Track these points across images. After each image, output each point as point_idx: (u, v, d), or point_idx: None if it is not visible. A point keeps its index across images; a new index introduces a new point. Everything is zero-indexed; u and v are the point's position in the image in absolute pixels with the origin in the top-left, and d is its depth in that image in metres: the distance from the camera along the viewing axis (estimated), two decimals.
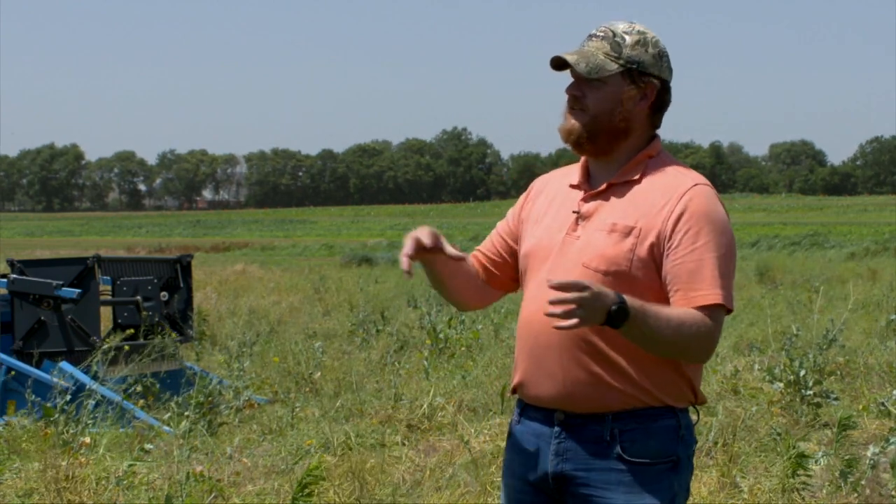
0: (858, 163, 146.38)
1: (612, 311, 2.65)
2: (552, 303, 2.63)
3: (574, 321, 2.62)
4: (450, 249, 2.94)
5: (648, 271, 2.81)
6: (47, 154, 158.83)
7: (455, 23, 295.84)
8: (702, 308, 2.76)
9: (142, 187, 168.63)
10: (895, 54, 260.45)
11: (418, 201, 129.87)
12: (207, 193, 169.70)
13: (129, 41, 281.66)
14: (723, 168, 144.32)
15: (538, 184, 3.10)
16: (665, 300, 2.80)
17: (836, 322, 9.07)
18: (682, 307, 2.77)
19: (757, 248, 39.59)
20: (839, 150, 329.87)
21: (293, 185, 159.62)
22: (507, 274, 3.10)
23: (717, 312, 2.78)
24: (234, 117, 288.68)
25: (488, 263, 3.12)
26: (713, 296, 2.77)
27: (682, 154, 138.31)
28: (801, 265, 26.03)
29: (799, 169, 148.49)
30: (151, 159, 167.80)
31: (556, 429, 2.88)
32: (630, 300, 2.68)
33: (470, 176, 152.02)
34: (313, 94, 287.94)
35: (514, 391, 3.00)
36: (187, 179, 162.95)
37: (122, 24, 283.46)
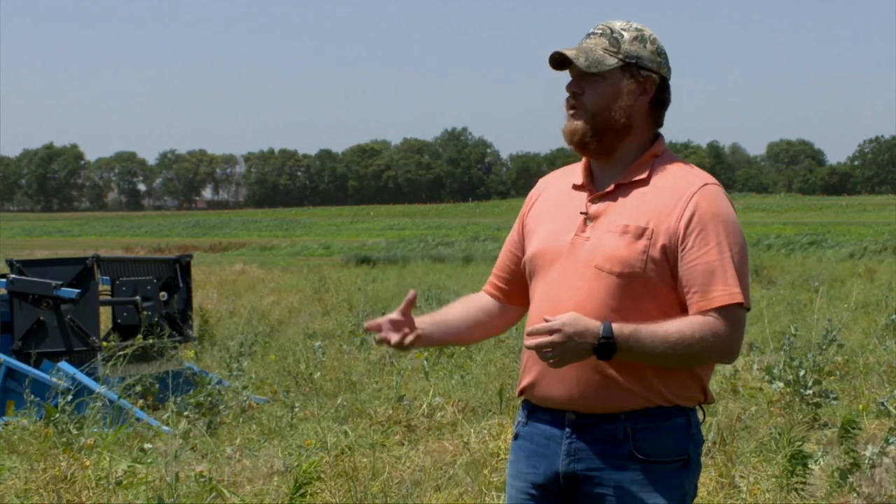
0: (857, 163, 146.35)
1: (596, 346, 2.70)
2: (528, 347, 2.73)
3: (553, 360, 2.70)
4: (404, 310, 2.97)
5: (662, 272, 2.80)
6: (46, 154, 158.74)
7: (454, 22, 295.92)
8: (718, 309, 2.76)
9: (141, 187, 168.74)
10: (895, 54, 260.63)
11: (417, 201, 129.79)
12: (207, 193, 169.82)
13: (129, 41, 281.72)
14: (722, 168, 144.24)
15: (537, 188, 3.09)
16: (679, 301, 2.81)
17: (835, 322, 9.07)
18: (695, 311, 2.78)
19: (756, 247, 39.55)
20: (838, 150, 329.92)
21: (292, 185, 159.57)
22: (524, 286, 3.06)
23: (734, 312, 2.77)
24: (233, 117, 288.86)
25: (502, 283, 3.12)
26: (729, 296, 2.76)
27: (681, 154, 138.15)
28: (799, 265, 26.02)
29: (798, 169, 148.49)
30: (151, 159, 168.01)
31: (567, 429, 2.87)
32: (619, 330, 2.70)
33: (469, 176, 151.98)
34: (312, 94, 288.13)
35: (520, 393, 2.98)
36: (186, 179, 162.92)
37: (122, 24, 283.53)
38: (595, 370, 2.80)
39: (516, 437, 3.00)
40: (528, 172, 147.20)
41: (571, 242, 2.88)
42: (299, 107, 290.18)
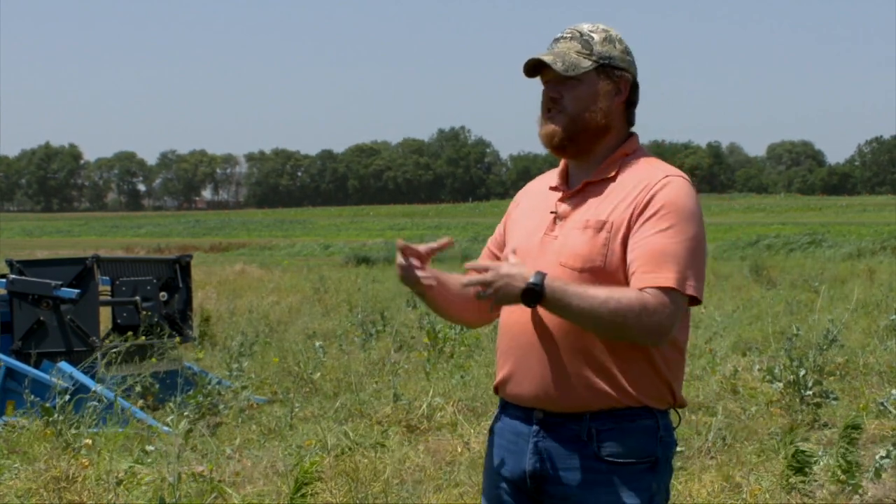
0: (857, 163, 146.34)
1: (523, 291, 2.73)
2: (464, 285, 2.81)
3: (489, 294, 2.77)
4: (428, 247, 3.00)
5: (623, 264, 2.81)
6: (45, 154, 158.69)
7: (454, 22, 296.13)
8: (654, 288, 2.73)
9: (141, 187, 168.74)
10: (895, 54, 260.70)
11: (417, 201, 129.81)
12: (207, 193, 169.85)
13: (128, 41, 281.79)
14: (721, 168, 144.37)
15: (521, 192, 3.14)
16: None
17: (835, 322, 9.08)
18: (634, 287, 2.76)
19: (756, 247, 39.55)
20: (838, 151, 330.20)
21: (292, 185, 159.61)
22: None
23: (669, 295, 2.74)
24: (233, 117, 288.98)
25: None
26: (665, 279, 2.74)
27: (681, 154, 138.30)
28: (799, 265, 26.01)
29: (798, 169, 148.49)
30: (151, 159, 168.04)
31: (535, 427, 2.89)
32: (550, 281, 2.73)
33: (469, 176, 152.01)
34: (313, 94, 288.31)
35: (496, 390, 3.01)
36: (186, 179, 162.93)
37: (122, 24, 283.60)
38: (560, 367, 2.82)
39: (491, 432, 3.03)
40: (528, 173, 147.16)
41: (541, 241, 2.92)
42: (299, 107, 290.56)
